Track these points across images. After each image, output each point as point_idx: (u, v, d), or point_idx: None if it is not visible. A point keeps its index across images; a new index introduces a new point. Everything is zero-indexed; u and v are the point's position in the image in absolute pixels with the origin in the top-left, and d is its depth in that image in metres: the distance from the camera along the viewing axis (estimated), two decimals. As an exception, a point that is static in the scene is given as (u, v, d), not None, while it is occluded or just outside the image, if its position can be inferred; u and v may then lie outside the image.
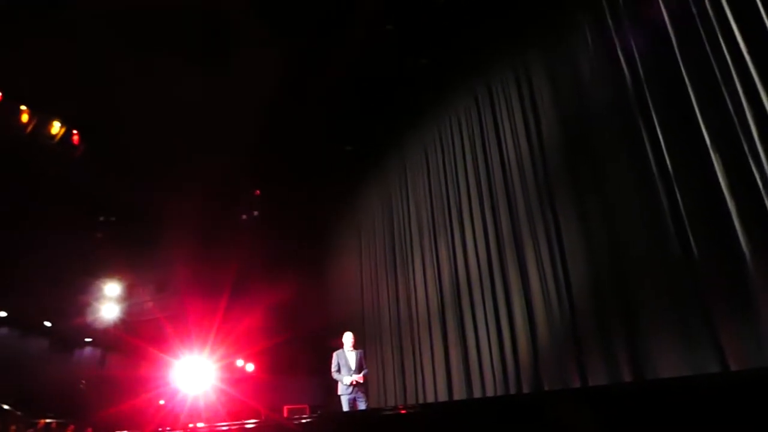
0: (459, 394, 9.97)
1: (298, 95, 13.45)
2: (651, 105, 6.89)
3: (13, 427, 14.11)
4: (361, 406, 7.43)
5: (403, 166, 13.32)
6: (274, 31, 12.12)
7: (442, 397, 10.41)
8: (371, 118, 13.62)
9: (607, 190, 7.59)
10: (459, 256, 10.78)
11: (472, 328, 10.10)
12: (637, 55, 7.16)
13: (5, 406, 17.68)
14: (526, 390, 8.54)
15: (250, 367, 16.48)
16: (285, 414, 14.93)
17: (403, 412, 3.07)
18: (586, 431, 1.98)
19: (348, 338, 7.81)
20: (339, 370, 7.55)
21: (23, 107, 14.92)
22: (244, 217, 17.46)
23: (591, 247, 7.79)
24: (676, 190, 6.41)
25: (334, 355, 7.72)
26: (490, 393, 9.31)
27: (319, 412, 14.38)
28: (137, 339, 17.34)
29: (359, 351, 7.80)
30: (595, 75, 7.97)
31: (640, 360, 6.78)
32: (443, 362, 10.65)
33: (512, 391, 8.82)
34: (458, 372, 10.20)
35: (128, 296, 19.29)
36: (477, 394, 9.57)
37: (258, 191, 17.26)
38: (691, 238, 6.18)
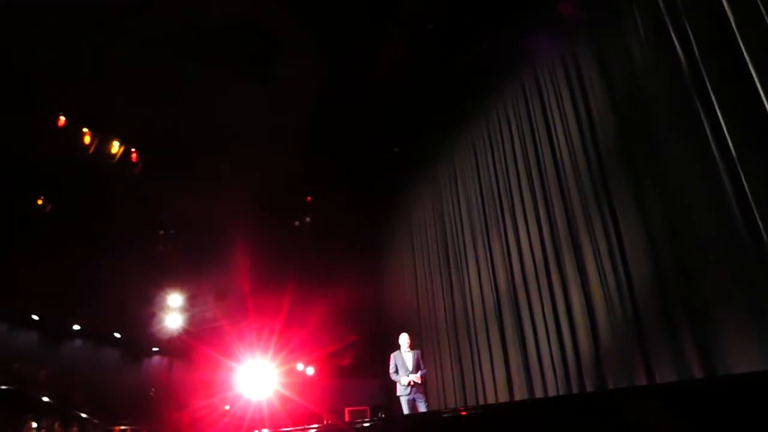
0: (520, 394, 9.77)
1: (343, 100, 13.57)
2: (708, 83, 6.55)
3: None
4: (421, 406, 7.39)
5: (452, 164, 13.21)
6: (317, 37, 12.29)
7: (503, 396, 10.22)
8: (418, 118, 13.60)
9: (666, 176, 7.27)
10: (513, 252, 10.57)
11: (530, 325, 9.87)
12: (691, 33, 6.83)
13: (83, 415, 18.57)
14: (589, 388, 8.27)
15: (310, 371, 16.70)
16: (346, 416, 15.05)
17: (463, 413, 3.01)
18: (658, 431, 1.88)
19: (404, 339, 7.79)
20: (397, 372, 7.55)
21: (85, 129, 15.68)
22: (297, 223, 17.72)
23: (651, 236, 7.48)
24: (740, 171, 6.03)
25: (392, 356, 7.71)
26: (551, 392, 9.08)
27: (380, 414, 14.41)
28: (201, 346, 17.88)
29: (416, 351, 7.77)
30: (647, 55, 7.66)
31: (710, 354, 6.45)
32: (502, 361, 10.46)
33: (575, 389, 8.57)
34: (518, 371, 9.98)
35: (191, 305, 19.93)
36: (538, 393, 9.35)
37: (309, 197, 17.49)
38: (759, 222, 5.81)
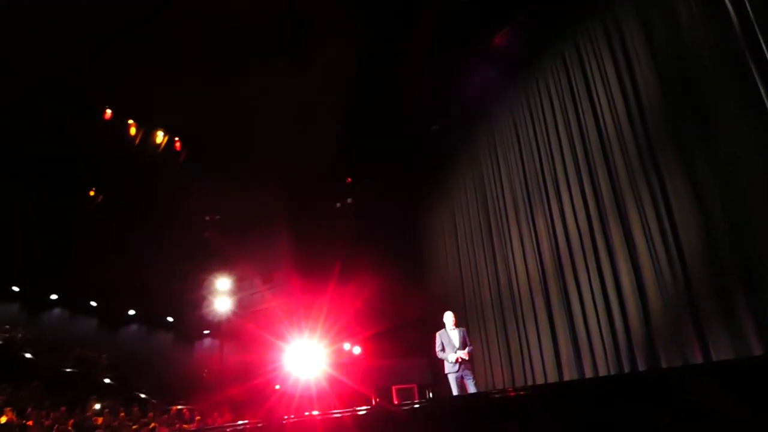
0: (569, 371, 9.64)
1: (381, 80, 13.50)
2: (763, 45, 6.22)
3: (151, 414, 15.43)
4: (469, 383, 7.38)
5: (492, 139, 13.01)
6: (354, 17, 12.22)
7: (551, 374, 10.12)
8: (456, 94, 13.41)
9: (717, 142, 6.98)
10: (558, 225, 10.36)
11: (577, 300, 9.69)
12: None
13: (142, 395, 19.39)
14: (640, 364, 8.09)
15: (357, 350, 16.92)
16: (394, 394, 15.23)
17: (511, 394, 2.99)
18: (717, 412, 1.81)
19: (448, 317, 7.78)
20: (443, 350, 7.56)
21: (130, 121, 16.12)
22: (338, 205, 17.85)
23: (703, 205, 7.20)
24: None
25: (437, 335, 7.72)
26: (601, 368, 8.93)
27: (427, 392, 14.52)
28: (250, 328, 18.34)
29: (461, 329, 7.75)
30: (695, 18, 7.32)
31: (768, 327, 6.22)
32: (549, 338, 10.33)
33: (625, 365, 8.39)
34: (566, 348, 9.84)
35: (239, 288, 20.42)
36: (588, 369, 9.21)
37: (349, 179, 17.56)
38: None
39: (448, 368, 7.49)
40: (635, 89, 8.56)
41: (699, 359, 6.98)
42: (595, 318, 9.18)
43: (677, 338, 7.45)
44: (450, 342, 7.56)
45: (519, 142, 11.87)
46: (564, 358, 9.87)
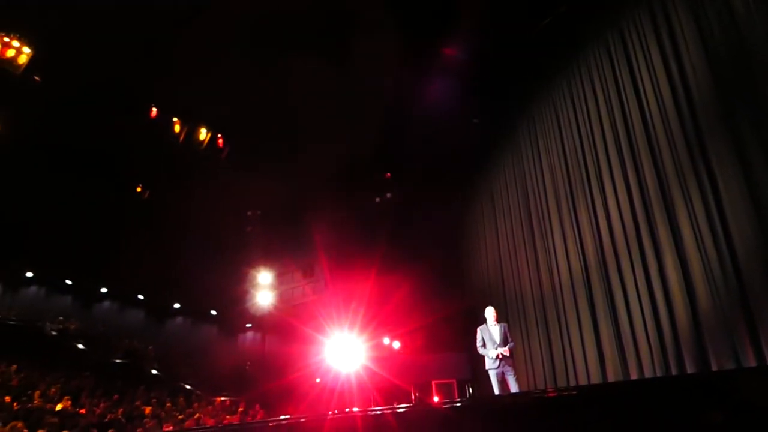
0: (613, 371, 9.38)
1: (421, 74, 13.44)
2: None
3: (196, 405, 15.82)
4: (510, 379, 7.28)
5: (533, 131, 12.76)
6: (394, 10, 12.17)
7: (594, 374, 9.87)
8: (496, 86, 13.22)
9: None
10: (601, 219, 10.07)
11: (622, 299, 9.39)
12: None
13: (188, 386, 19.92)
14: (689, 365, 7.78)
15: (396, 345, 16.97)
16: (433, 389, 15.21)
17: (552, 395, 2.91)
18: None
19: (490, 312, 7.69)
20: (484, 345, 7.48)
21: (175, 119, 16.54)
22: (378, 200, 17.89)
23: (756, 198, 6.85)
24: None
25: (478, 330, 7.64)
26: (647, 368, 8.63)
27: (467, 387, 14.44)
28: (292, 322, 18.61)
29: (503, 324, 7.65)
30: (749, 4, 6.99)
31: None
32: (592, 336, 10.07)
33: (673, 366, 8.09)
34: (610, 348, 9.56)
35: (280, 283, 20.75)
36: (633, 369, 8.94)
37: (389, 174, 17.57)
38: None
39: (489, 364, 7.40)
40: (683, 77, 8.22)
41: (752, 362, 6.68)
42: (641, 316, 8.89)
43: (728, 339, 7.14)
44: (491, 338, 7.47)
45: (561, 134, 11.60)
46: (608, 357, 9.60)
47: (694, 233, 7.77)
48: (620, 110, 9.60)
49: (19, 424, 8.11)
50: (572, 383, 10.55)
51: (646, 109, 8.91)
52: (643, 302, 8.79)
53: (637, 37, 9.23)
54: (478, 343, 7.57)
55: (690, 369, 7.70)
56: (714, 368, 7.23)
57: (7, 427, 7.94)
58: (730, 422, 1.73)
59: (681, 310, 7.95)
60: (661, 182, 8.53)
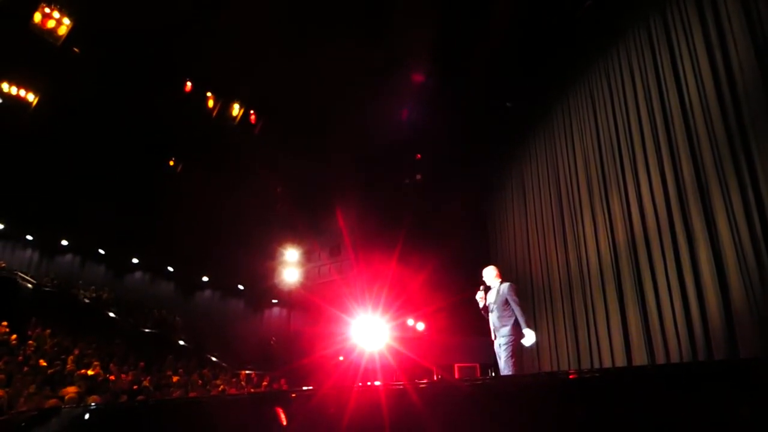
0: (639, 360, 9.23)
1: (455, 56, 13.25)
2: None
3: (222, 377, 16.15)
4: (501, 355, 6.28)
5: (568, 116, 12.49)
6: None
7: (620, 361, 9.74)
8: (531, 70, 12.98)
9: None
10: (634, 209, 9.84)
11: (651, 289, 9.18)
12: None
13: (214, 358, 20.34)
14: (717, 357, 7.59)
15: (420, 326, 16.99)
16: (456, 372, 15.21)
17: (572, 377, 2.84)
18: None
19: (490, 272, 6.78)
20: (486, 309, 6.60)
21: (209, 93, 16.66)
22: (407, 181, 17.81)
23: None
24: None
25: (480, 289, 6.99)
26: (674, 358, 8.48)
27: (490, 372, 14.40)
28: (317, 299, 18.77)
29: (504, 285, 6.64)
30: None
31: None
32: (619, 323, 9.90)
33: (701, 358, 7.92)
34: (637, 338, 9.38)
35: (307, 260, 20.91)
36: (660, 358, 8.79)
37: (419, 155, 17.45)
38: None
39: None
40: (727, 65, 7.92)
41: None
42: (670, 308, 8.69)
43: (761, 335, 6.94)
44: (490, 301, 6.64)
45: (596, 120, 11.33)
46: (634, 347, 9.44)
47: (730, 226, 7.54)
48: (659, 96, 9.31)
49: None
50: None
51: (686, 97, 8.62)
52: (673, 294, 8.59)
53: (681, 22, 8.91)
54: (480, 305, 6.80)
55: (720, 360, 7.51)
56: (745, 360, 7.02)
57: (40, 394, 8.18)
58: (759, 413, 1.64)
59: (713, 303, 7.75)
60: (698, 173, 8.27)
